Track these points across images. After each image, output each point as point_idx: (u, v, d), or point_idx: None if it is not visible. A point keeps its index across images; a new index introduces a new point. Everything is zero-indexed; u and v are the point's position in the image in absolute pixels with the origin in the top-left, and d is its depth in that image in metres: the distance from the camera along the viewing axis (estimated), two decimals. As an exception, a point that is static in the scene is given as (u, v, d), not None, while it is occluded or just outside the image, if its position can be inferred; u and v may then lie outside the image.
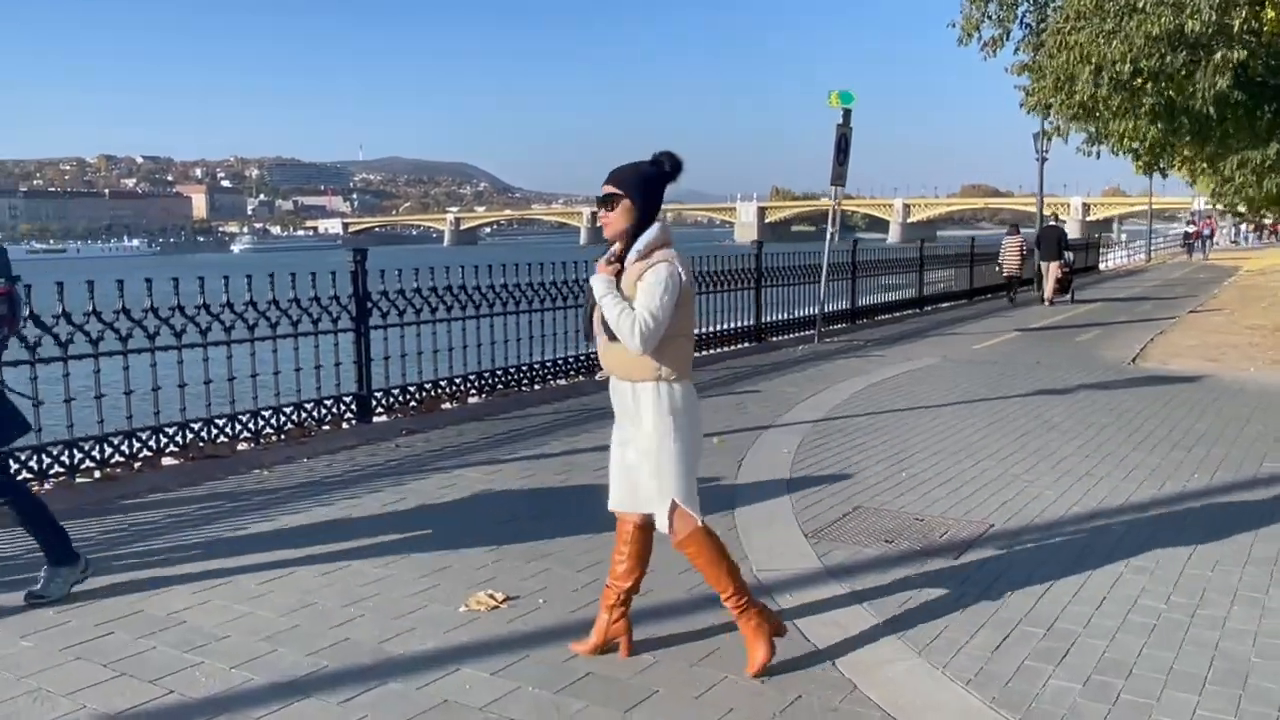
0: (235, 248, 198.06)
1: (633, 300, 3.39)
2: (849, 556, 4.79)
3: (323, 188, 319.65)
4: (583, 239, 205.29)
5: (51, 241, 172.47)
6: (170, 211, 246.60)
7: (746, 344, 12.99)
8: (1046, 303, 19.74)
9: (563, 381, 9.89)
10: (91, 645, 3.86)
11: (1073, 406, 8.74)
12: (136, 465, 6.34)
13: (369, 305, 7.80)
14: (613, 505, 3.73)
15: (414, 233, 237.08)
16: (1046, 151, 26.71)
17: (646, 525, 3.68)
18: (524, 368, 9.45)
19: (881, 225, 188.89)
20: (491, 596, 4.25)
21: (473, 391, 8.88)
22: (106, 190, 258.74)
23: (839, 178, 13.48)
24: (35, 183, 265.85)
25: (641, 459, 3.55)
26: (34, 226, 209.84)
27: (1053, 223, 22.23)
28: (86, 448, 6.12)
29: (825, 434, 7.60)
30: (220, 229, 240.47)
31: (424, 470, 6.58)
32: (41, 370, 5.93)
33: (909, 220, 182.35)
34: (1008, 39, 13.64)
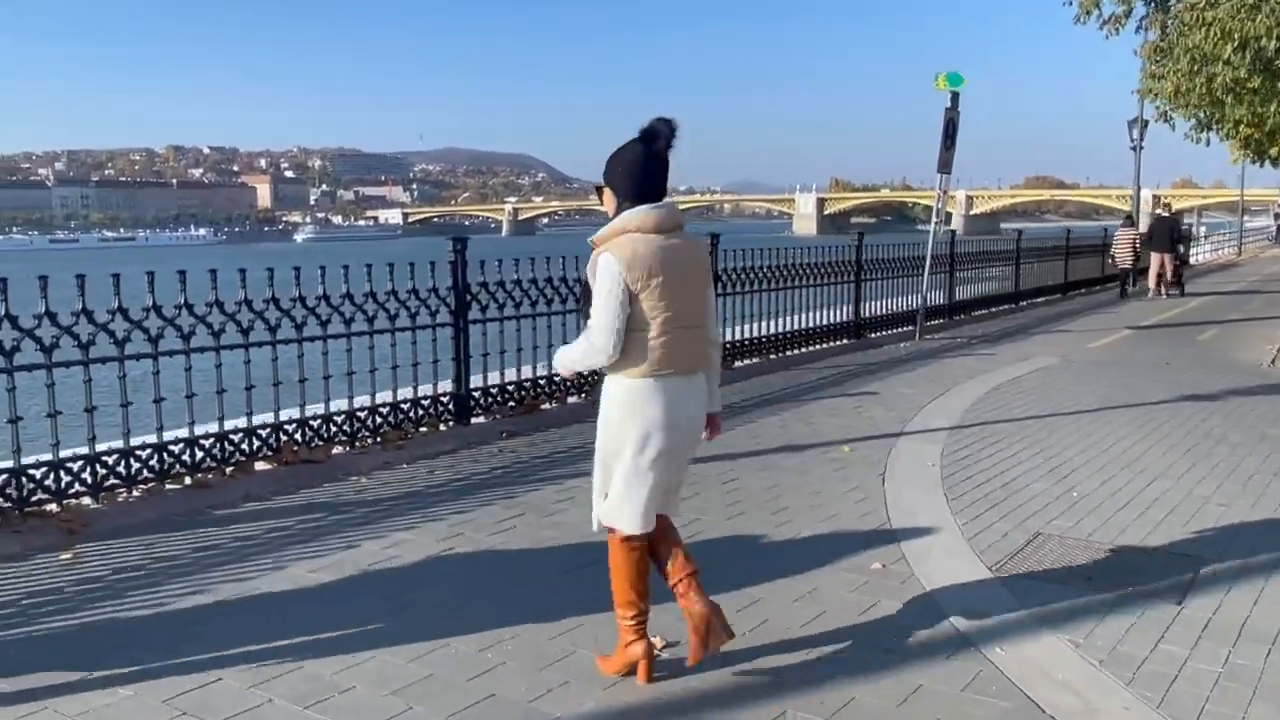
0: (298, 237, 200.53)
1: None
2: (1051, 598, 4.11)
3: (383, 178, 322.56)
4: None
5: (122, 230, 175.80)
6: (235, 201, 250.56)
7: (846, 340, 12.27)
8: (1157, 295, 18.86)
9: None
10: (197, 698, 3.33)
11: (1231, 415, 7.93)
12: (228, 470, 5.86)
13: (468, 298, 7.26)
14: None
15: (469, 223, 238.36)
16: (1142, 140, 25.54)
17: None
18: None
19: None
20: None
21: (572, 391, 8.31)
22: (174, 180, 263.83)
23: (945, 164, 12.69)
24: (106, 172, 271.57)
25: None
26: (105, 215, 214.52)
27: (1164, 214, 21.16)
28: (176, 451, 5.65)
29: (966, 444, 6.90)
30: (283, 218, 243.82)
31: (534, 480, 6.02)
32: (129, 367, 5.47)
33: (971, 213, 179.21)
34: (1129, 16, 12.72)
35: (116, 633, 3.80)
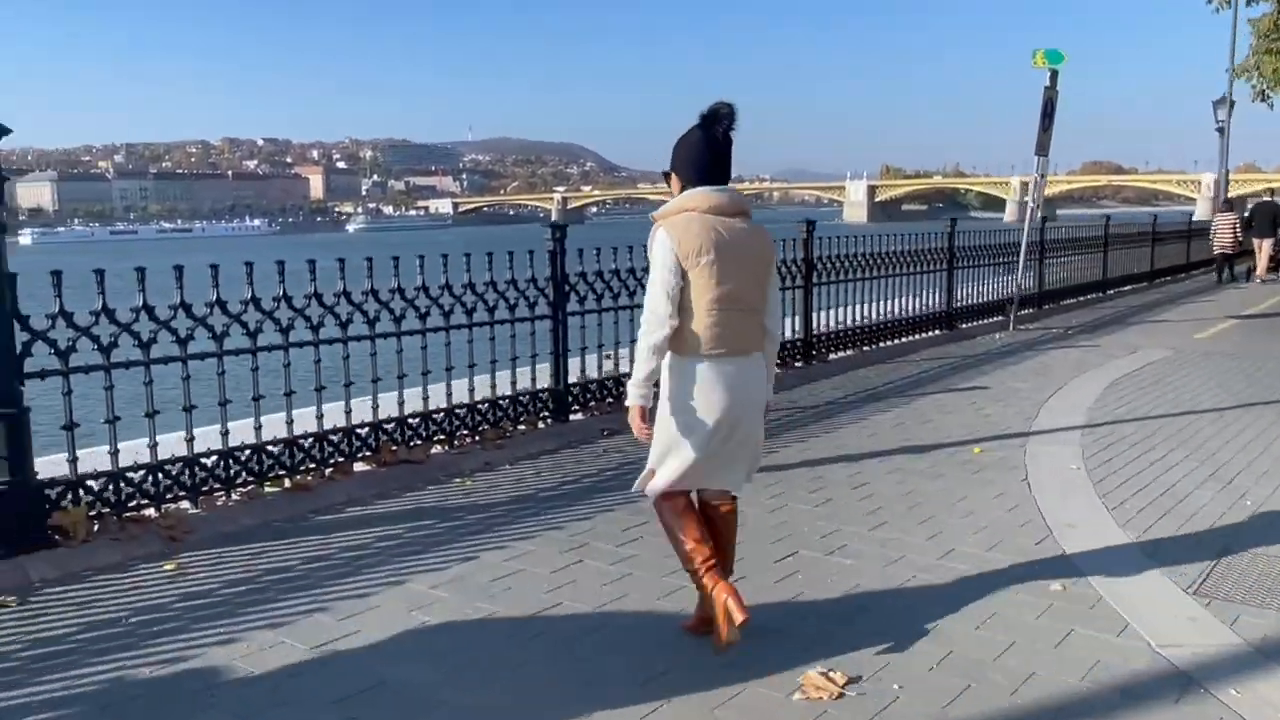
0: (350, 227, 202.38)
1: None
2: (1272, 627, 3.63)
3: (433, 168, 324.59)
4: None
5: (179, 221, 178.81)
6: (289, 192, 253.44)
7: (937, 331, 11.74)
8: (1257, 280, 18.11)
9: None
10: (335, 735, 2.98)
11: (1385, 413, 7.32)
12: (327, 472, 5.55)
13: (566, 289, 6.88)
14: None
15: (518, 212, 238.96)
16: (1228, 121, 24.55)
17: (703, 500, 3.59)
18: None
19: (997, 204, 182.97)
20: (828, 677, 3.24)
21: (668, 385, 7.90)
22: (229, 172, 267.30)
23: (1043, 146, 12.09)
24: (164, 165, 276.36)
25: None
26: (163, 207, 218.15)
27: (1269, 198, 20.26)
28: (276, 452, 5.34)
29: (1106, 445, 6.39)
30: (336, 209, 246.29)
31: (649, 483, 5.63)
32: (228, 363, 5.17)
33: (1026, 199, 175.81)
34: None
35: (235, 654, 3.48)
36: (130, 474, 4.76)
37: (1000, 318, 13.01)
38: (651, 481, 3.47)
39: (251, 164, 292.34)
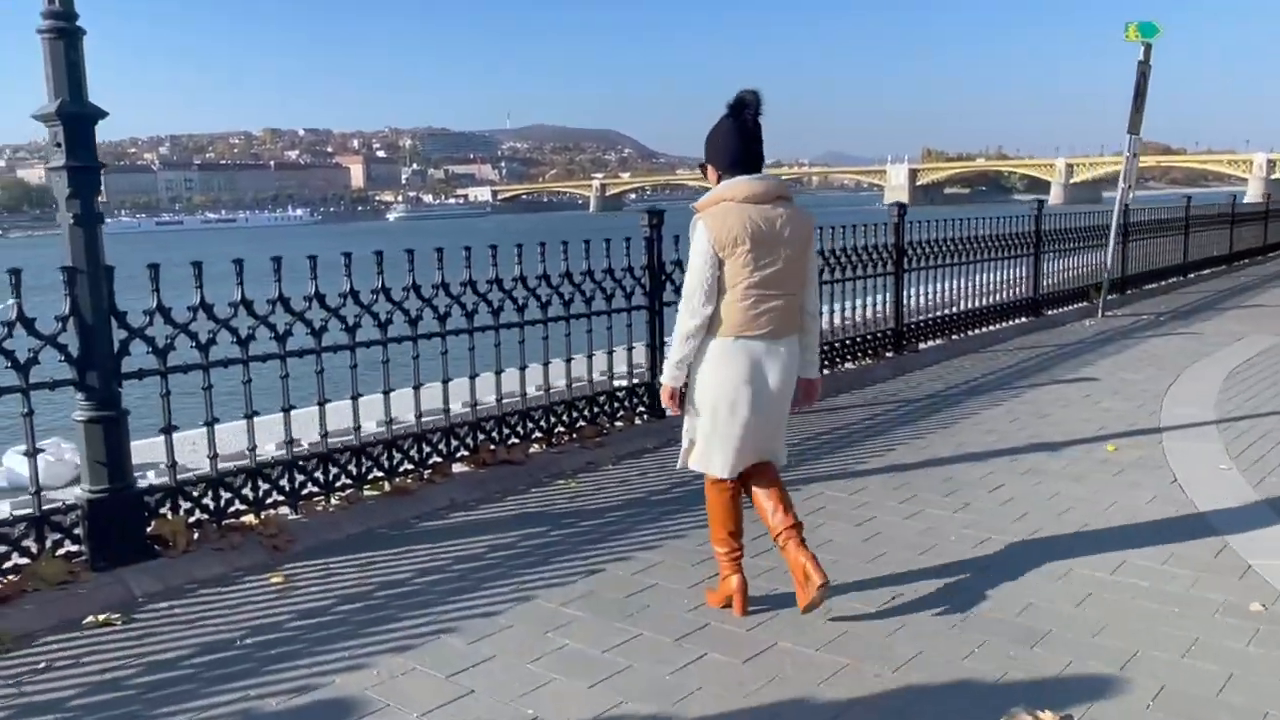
0: (390, 216, 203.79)
1: None
2: None
3: (472, 156, 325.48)
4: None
5: (223, 212, 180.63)
6: (330, 182, 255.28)
7: (1023, 319, 11.25)
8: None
9: (850, 365, 8.46)
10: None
11: None
12: (426, 474, 5.25)
13: (663, 278, 6.53)
14: None
15: (557, 199, 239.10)
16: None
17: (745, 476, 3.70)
18: (824, 347, 8.10)
19: (1041, 187, 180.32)
20: (1037, 717, 2.87)
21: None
22: (272, 162, 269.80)
23: (1135, 125, 11.53)
24: (208, 156, 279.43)
25: None
26: (207, 198, 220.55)
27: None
28: (375, 454, 5.05)
29: (1251, 441, 5.93)
30: (376, 198, 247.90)
31: (765, 485, 5.27)
32: (292, 364, 4.88)
33: (1072, 181, 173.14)
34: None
35: (366, 683, 3.18)
36: (230, 479, 4.49)
37: (1084, 304, 12.51)
38: (708, 461, 3.62)
39: (293, 154, 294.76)
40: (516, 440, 5.73)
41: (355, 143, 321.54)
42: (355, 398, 5.00)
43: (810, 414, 6.93)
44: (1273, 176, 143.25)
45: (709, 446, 3.60)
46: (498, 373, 5.62)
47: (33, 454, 3.93)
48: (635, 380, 6.49)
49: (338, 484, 4.89)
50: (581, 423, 6.11)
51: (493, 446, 5.58)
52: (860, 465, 5.65)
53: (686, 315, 3.47)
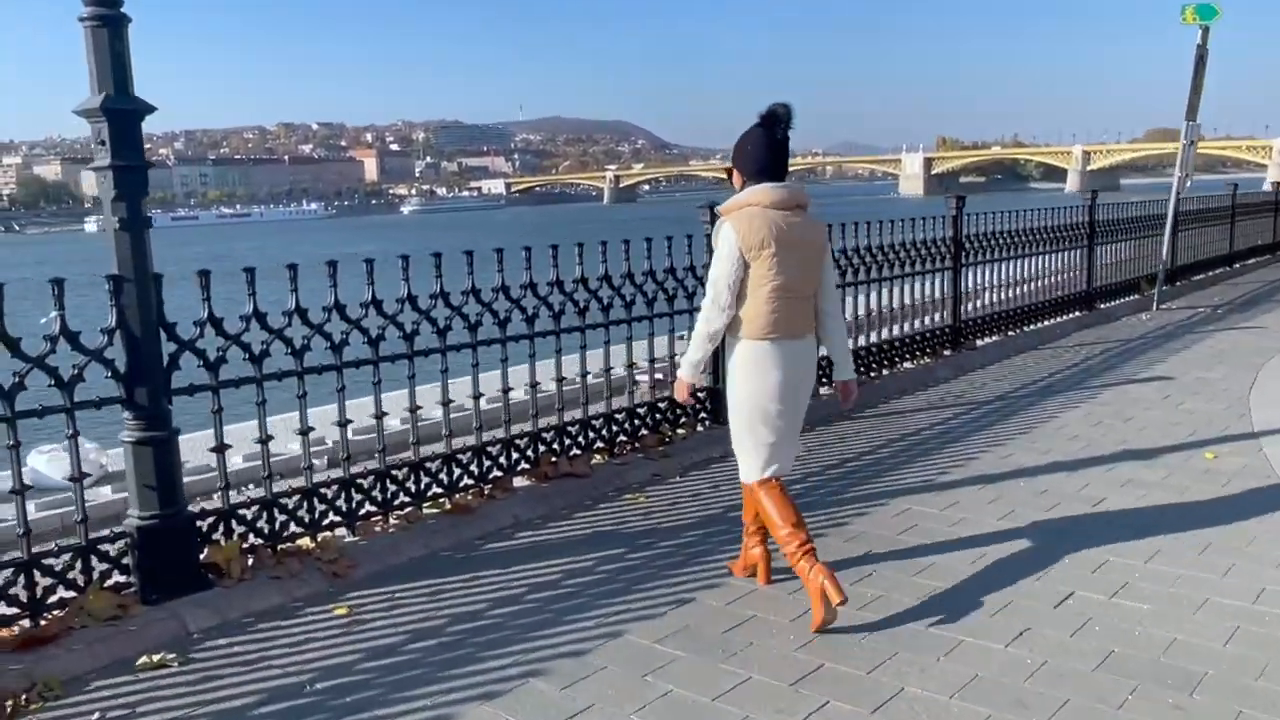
0: (405, 209, 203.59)
1: None
2: None
3: (485, 149, 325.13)
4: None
5: (238, 206, 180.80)
6: (344, 175, 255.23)
7: (1077, 312, 10.86)
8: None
9: (909, 364, 8.11)
10: None
11: None
12: (485, 489, 4.93)
13: (724, 277, 6.20)
14: None
15: (566, 191, 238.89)
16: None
17: None
18: (883, 346, 7.79)
19: (1058, 175, 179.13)
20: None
21: (824, 380, 7.21)
22: (285, 156, 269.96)
23: (1193, 109, 11.11)
24: (222, 151, 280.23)
25: None
26: (222, 192, 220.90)
27: None
28: (434, 469, 4.74)
29: (1358, 448, 5.57)
30: (390, 191, 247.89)
31: (848, 498, 4.94)
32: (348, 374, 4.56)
33: (1089, 168, 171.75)
34: None
35: (454, 741, 2.87)
36: (284, 499, 4.18)
37: (1136, 296, 12.12)
38: (757, 467, 3.68)
39: (307, 148, 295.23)
40: (578, 451, 5.41)
41: (368, 136, 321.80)
42: (413, 410, 4.68)
43: (875, 418, 6.62)
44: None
45: (767, 453, 3.66)
46: (557, 380, 5.31)
47: (78, 479, 3.63)
48: (696, 385, 6.16)
49: (396, 502, 4.58)
50: (644, 431, 5.78)
51: (554, 459, 5.27)
52: (944, 476, 5.31)
53: (714, 315, 3.59)
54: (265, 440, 4.14)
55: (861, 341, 7.59)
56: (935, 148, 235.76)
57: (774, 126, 3.60)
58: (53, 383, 3.52)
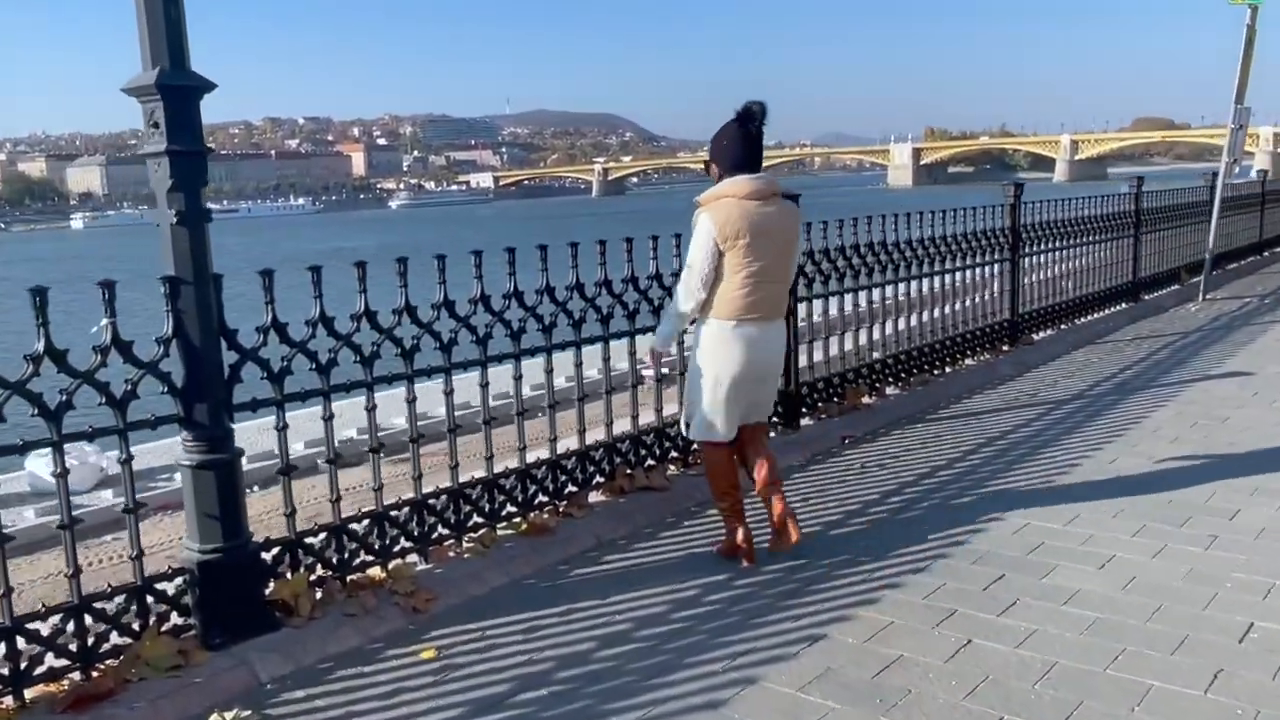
0: (393, 204, 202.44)
1: None
2: None
3: (473, 142, 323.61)
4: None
5: (225, 202, 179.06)
6: (332, 170, 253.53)
7: (1123, 304, 10.47)
8: None
9: (971, 361, 7.71)
10: None
11: None
12: (560, 505, 4.50)
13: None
14: None
15: (560, 184, 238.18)
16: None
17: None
18: (945, 342, 7.39)
19: (1045, 164, 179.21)
20: None
21: (889, 379, 6.82)
22: (273, 151, 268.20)
23: (1241, 93, 10.72)
24: (208, 146, 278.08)
25: None
26: (210, 188, 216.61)
27: None
28: (508, 486, 4.30)
29: None
30: (378, 185, 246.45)
31: (949, 518, 4.53)
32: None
33: (1076, 157, 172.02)
34: None
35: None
36: (354, 525, 3.75)
37: (1177, 286, 11.77)
38: (709, 429, 3.98)
39: (294, 143, 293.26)
40: (653, 462, 4.98)
41: (355, 131, 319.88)
42: (487, 423, 4.24)
43: (951, 419, 6.23)
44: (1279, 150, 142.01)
45: (711, 417, 3.94)
46: (634, 385, 4.88)
47: (133, 510, 3.19)
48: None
49: (469, 523, 4.14)
50: (717, 438, 5.35)
51: (629, 471, 4.84)
52: (1051, 485, 4.90)
53: (684, 298, 3.87)
54: (334, 460, 3.70)
55: (927, 337, 7.20)
56: (923, 138, 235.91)
57: (748, 122, 3.82)
58: (103, 400, 3.07)
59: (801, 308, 5.91)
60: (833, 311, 6.27)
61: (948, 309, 7.55)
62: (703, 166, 4.07)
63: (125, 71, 3.13)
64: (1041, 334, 8.80)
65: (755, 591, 3.75)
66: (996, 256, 8.05)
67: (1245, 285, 12.30)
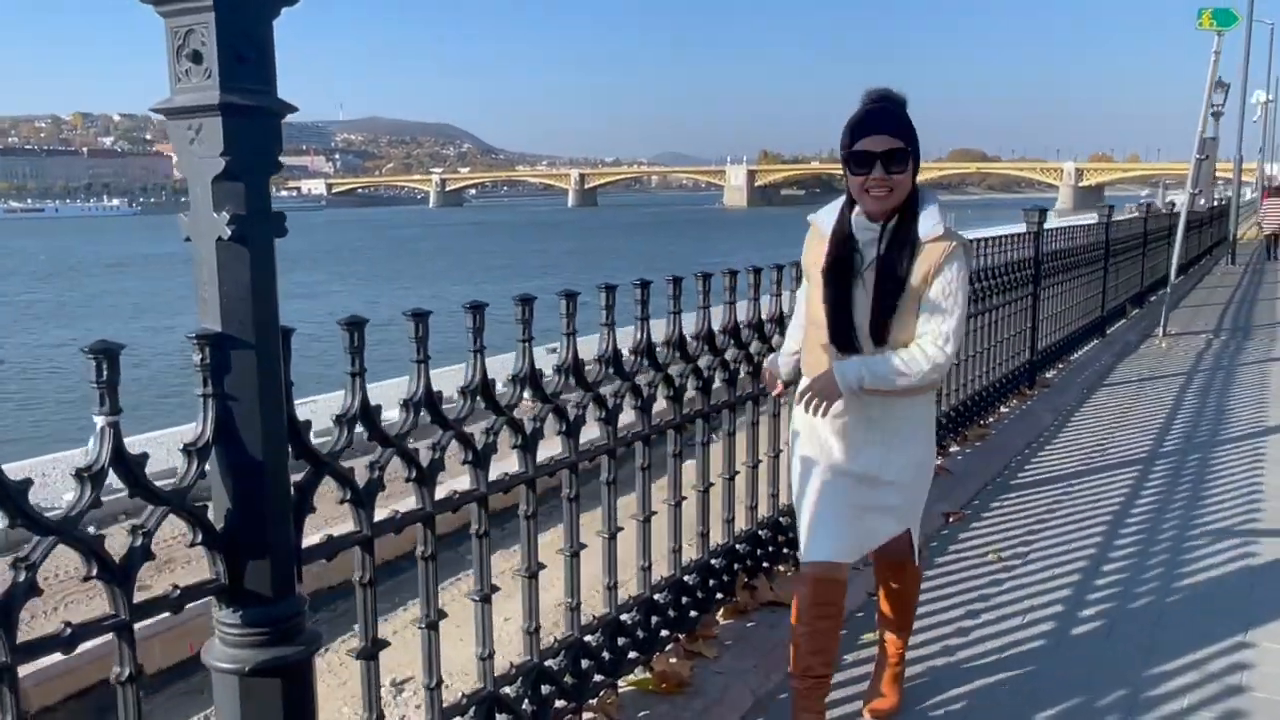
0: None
1: (922, 291, 2.57)
2: None
3: (304, 147, 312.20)
4: (570, 201, 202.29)
5: (29, 201, 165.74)
6: (151, 171, 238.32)
7: (1095, 340, 9.93)
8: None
9: (1004, 408, 6.82)
10: None
11: None
12: (681, 638, 3.22)
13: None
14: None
15: (395, 194, 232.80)
16: (1222, 106, 23.85)
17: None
18: (986, 391, 6.46)
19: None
20: None
21: (950, 433, 5.82)
22: (84, 149, 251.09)
23: (1205, 124, 10.41)
24: (10, 140, 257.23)
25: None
26: (10, 185, 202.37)
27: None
28: (628, 623, 2.98)
29: None
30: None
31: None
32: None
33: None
34: None
35: None
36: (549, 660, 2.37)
37: (1124, 320, 11.48)
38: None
39: (108, 141, 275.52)
40: (768, 564, 3.76)
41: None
42: (645, 520, 2.92)
43: (1042, 485, 5.25)
44: (1080, 184, 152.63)
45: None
46: (753, 466, 3.64)
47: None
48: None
49: (590, 684, 2.81)
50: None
51: (748, 580, 3.60)
52: (1226, 584, 3.95)
53: (943, 360, 2.59)
54: (435, 625, 2.31)
55: (976, 384, 6.25)
56: (758, 161, 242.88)
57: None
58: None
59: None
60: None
61: (982, 347, 6.64)
62: (843, 170, 2.71)
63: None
64: (1048, 372, 8.07)
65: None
66: (1020, 292, 7.22)
67: (1183, 319, 12.05)
